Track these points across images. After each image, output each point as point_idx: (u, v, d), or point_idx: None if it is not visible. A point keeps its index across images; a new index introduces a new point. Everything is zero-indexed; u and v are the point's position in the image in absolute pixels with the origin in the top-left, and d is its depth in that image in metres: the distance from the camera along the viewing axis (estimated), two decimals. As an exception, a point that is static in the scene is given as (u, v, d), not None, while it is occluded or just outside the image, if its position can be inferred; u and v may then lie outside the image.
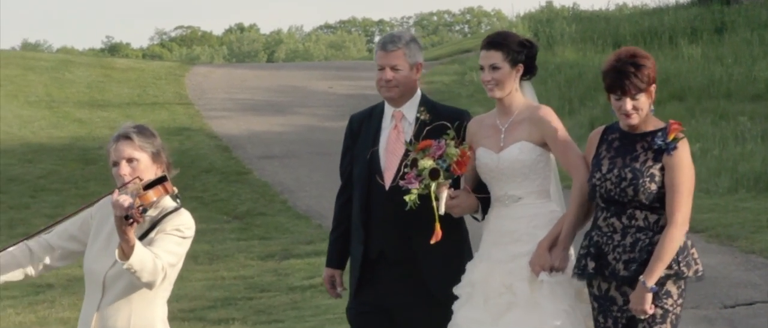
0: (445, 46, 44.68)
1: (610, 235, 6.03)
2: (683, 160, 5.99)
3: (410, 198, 6.25)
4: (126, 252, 5.16)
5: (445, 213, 6.29)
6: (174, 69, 29.90)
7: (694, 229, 6.10)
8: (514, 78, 6.32)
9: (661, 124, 6.08)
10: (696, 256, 6.06)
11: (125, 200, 5.11)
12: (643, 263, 5.93)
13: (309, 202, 17.14)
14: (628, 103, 5.99)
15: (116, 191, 5.28)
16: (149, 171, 5.48)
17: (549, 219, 6.28)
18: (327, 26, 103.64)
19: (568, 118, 20.93)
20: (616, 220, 6.02)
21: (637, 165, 6.00)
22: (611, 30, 27.34)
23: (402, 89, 6.63)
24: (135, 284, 5.35)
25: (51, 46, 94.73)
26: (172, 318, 12.08)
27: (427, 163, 6.24)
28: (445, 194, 6.27)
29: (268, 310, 12.09)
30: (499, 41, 6.33)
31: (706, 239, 13.30)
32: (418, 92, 6.73)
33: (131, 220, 5.10)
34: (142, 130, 5.56)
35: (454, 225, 6.51)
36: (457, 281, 6.43)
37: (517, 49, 6.31)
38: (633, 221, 6.00)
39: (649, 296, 5.90)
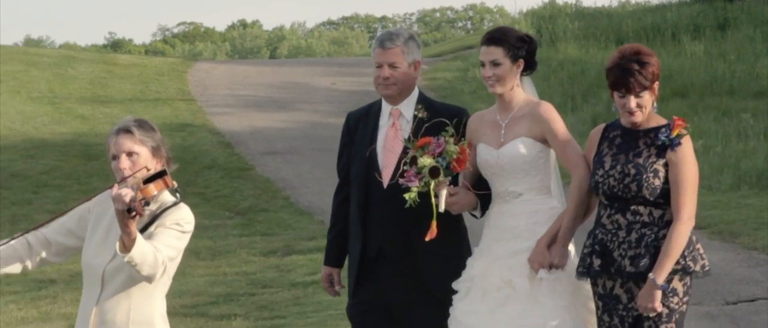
0: (447, 43, 44.66)
1: (614, 232, 6.01)
2: (687, 156, 5.98)
3: (410, 196, 6.24)
4: (127, 245, 5.16)
5: (444, 210, 6.28)
6: (176, 65, 29.91)
7: (696, 225, 6.07)
8: (515, 73, 6.32)
9: (663, 121, 6.07)
10: (702, 251, 6.05)
11: (127, 193, 5.10)
12: (649, 258, 5.91)
13: (311, 198, 17.14)
14: (632, 101, 5.98)
15: (116, 185, 5.27)
16: (149, 165, 5.47)
17: (549, 215, 6.28)
18: (329, 22, 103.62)
19: (570, 114, 20.92)
20: (620, 216, 6.01)
21: (640, 161, 5.99)
22: (614, 27, 27.34)
23: (400, 87, 6.61)
24: (134, 277, 5.34)
25: (53, 42, 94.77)
26: (174, 314, 12.10)
27: (426, 161, 6.23)
28: (444, 192, 6.26)
29: (270, 306, 12.09)
30: (499, 37, 6.33)
31: (708, 236, 13.30)
32: (416, 90, 6.71)
33: (134, 213, 5.10)
34: (142, 124, 5.55)
35: (453, 223, 6.50)
36: (456, 279, 6.42)
37: (518, 44, 6.31)
38: (637, 217, 5.99)
39: (659, 294, 5.89)
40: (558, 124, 6.26)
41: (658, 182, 5.96)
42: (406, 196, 6.23)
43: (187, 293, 12.65)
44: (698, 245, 6.05)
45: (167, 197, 5.50)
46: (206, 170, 19.35)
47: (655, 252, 5.92)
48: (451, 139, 6.26)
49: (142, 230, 5.31)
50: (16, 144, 20.95)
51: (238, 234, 15.84)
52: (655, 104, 6.06)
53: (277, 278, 13.26)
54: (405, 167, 6.30)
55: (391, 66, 6.59)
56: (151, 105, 24.36)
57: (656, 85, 6.02)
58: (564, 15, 29.43)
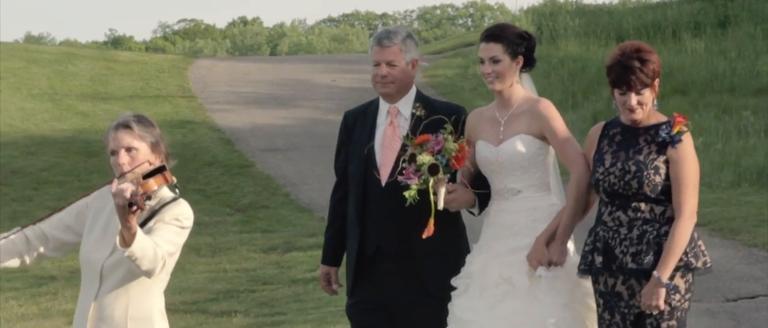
0: (448, 40, 44.67)
1: (616, 229, 6.01)
2: (688, 152, 5.98)
3: (409, 194, 6.22)
4: (127, 240, 5.15)
5: (442, 208, 6.28)
6: (177, 62, 29.91)
7: (697, 223, 6.08)
8: (515, 70, 6.32)
9: (663, 118, 6.07)
10: (703, 248, 6.05)
11: (127, 188, 5.09)
12: (653, 255, 5.90)
13: (311, 195, 17.15)
14: (633, 98, 5.98)
15: (115, 180, 5.26)
16: (148, 161, 5.46)
17: (549, 212, 6.28)
18: (330, 20, 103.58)
19: (571, 112, 20.93)
20: (621, 213, 6.00)
21: (641, 158, 5.99)
22: (614, 24, 27.33)
23: (398, 85, 6.59)
24: (134, 272, 5.33)
25: (54, 39, 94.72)
26: (174, 310, 12.09)
27: (425, 158, 6.21)
28: (443, 189, 6.25)
29: (271, 303, 12.09)
30: (498, 34, 6.33)
31: (708, 233, 13.30)
32: (414, 88, 6.68)
33: (135, 207, 5.09)
34: (141, 120, 5.54)
35: (451, 221, 6.49)
36: (453, 276, 6.41)
37: (517, 41, 6.31)
38: (638, 214, 5.98)
39: (663, 292, 5.88)
40: (557, 121, 6.25)
41: (658, 179, 5.96)
42: (406, 193, 6.22)
43: (187, 289, 12.66)
44: (700, 242, 6.04)
45: (166, 193, 5.50)
46: (207, 166, 19.35)
47: (657, 249, 5.91)
48: (450, 137, 6.26)
49: (141, 225, 5.31)
50: (16, 141, 20.96)
51: (239, 231, 15.85)
52: (655, 102, 6.06)
53: (278, 274, 13.26)
54: (404, 165, 6.28)
55: (389, 64, 6.57)
56: (152, 102, 24.36)
57: (657, 82, 6.02)
58: (564, 12, 29.43)
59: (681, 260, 5.93)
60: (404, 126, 6.57)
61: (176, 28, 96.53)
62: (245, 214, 16.82)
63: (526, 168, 6.28)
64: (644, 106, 6.00)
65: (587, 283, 6.21)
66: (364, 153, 6.61)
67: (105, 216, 5.51)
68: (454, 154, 6.22)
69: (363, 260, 6.63)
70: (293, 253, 14.18)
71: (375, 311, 6.61)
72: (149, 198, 5.24)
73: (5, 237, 5.57)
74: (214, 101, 24.72)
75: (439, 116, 6.40)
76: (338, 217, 6.81)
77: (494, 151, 6.29)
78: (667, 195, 5.97)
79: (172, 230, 5.38)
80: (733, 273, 11.71)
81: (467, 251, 6.56)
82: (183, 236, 5.44)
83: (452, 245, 6.56)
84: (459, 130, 6.35)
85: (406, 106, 6.62)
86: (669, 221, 5.96)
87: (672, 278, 5.91)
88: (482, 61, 6.32)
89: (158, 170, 5.28)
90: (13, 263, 5.63)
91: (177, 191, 5.45)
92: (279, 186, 18.11)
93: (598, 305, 6.11)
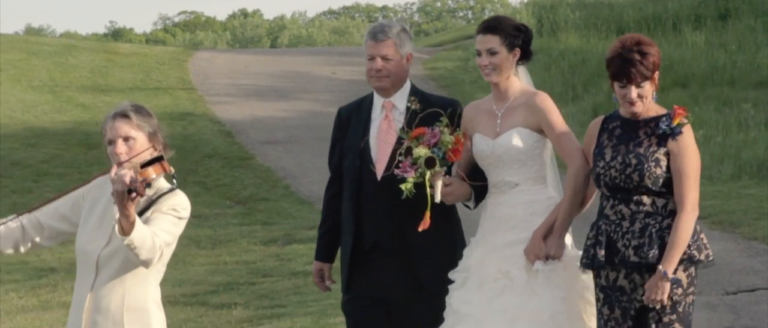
0: (448, 32, 44.65)
1: (618, 222, 5.99)
2: (689, 144, 5.97)
3: (406, 187, 6.20)
4: (125, 229, 5.14)
5: (439, 201, 6.27)
6: (177, 54, 29.90)
7: (697, 215, 6.07)
8: (512, 62, 6.31)
9: (662, 111, 6.06)
10: (705, 241, 6.03)
11: (126, 174, 5.08)
12: (657, 249, 5.88)
13: (311, 187, 17.14)
14: (633, 91, 5.97)
15: (114, 166, 5.25)
16: (145, 152, 5.45)
17: (546, 205, 6.27)
18: (330, 12, 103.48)
19: (571, 104, 20.93)
20: (623, 207, 5.98)
21: (641, 150, 5.98)
22: (615, 16, 27.30)
23: (393, 79, 6.57)
24: (131, 262, 5.32)
25: (54, 31, 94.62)
26: (174, 302, 12.09)
27: (422, 151, 6.20)
28: (439, 182, 6.24)
29: (271, 295, 12.10)
30: (495, 25, 6.32)
31: (708, 226, 13.30)
32: (409, 82, 6.66)
33: (134, 194, 5.08)
34: (139, 109, 5.53)
35: (447, 215, 6.47)
36: (449, 271, 6.39)
37: (514, 33, 6.30)
38: (640, 207, 5.97)
39: (667, 286, 5.86)
40: (554, 114, 6.24)
41: (659, 171, 5.95)
42: (403, 187, 6.20)
43: (187, 281, 12.66)
44: (702, 235, 6.02)
45: (163, 183, 5.49)
46: (207, 158, 19.36)
47: (660, 243, 5.90)
48: (446, 130, 6.24)
49: (139, 215, 5.30)
50: (16, 133, 20.96)
51: (239, 223, 15.86)
52: (655, 94, 6.05)
53: (278, 267, 13.27)
54: (400, 158, 6.27)
55: (384, 58, 6.55)
56: (152, 94, 24.36)
57: (657, 75, 6.01)
58: (565, 5, 29.38)
59: (684, 253, 5.91)
60: (399, 120, 6.54)
61: (176, 20, 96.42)
62: (245, 206, 16.82)
63: (523, 161, 6.27)
64: (644, 99, 5.99)
65: (585, 276, 6.21)
66: (359, 148, 6.59)
67: (101, 206, 5.50)
68: (450, 146, 6.21)
69: (358, 256, 6.60)
70: (293, 245, 14.18)
71: (372, 307, 6.59)
72: (149, 185, 5.23)
73: (2, 223, 5.57)
74: (215, 93, 24.72)
75: (434, 109, 6.38)
76: (332, 213, 6.79)
77: (491, 144, 6.28)
78: (668, 188, 5.96)
79: (169, 220, 5.37)
80: (733, 266, 11.71)
81: (463, 244, 6.55)
82: (180, 227, 5.43)
83: (448, 239, 6.53)
84: (455, 123, 6.34)
85: (401, 100, 6.60)
86: (671, 213, 5.95)
87: (675, 271, 5.89)
88: (479, 53, 6.32)
89: (156, 160, 5.28)
90: (8, 250, 5.63)
91: (175, 181, 5.44)
92: (279, 178, 18.11)
93: (598, 300, 6.10)
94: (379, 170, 6.53)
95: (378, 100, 6.65)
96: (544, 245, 6.16)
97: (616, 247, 5.98)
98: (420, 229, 6.25)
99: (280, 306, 11.59)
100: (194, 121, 22.00)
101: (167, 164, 5.30)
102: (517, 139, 6.25)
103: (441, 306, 6.37)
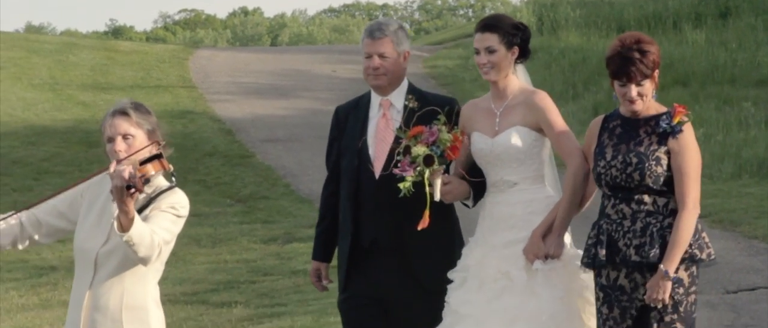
0: (448, 31, 44.65)
1: (619, 221, 5.98)
2: (689, 143, 5.96)
3: (405, 185, 6.19)
4: (124, 225, 5.14)
5: (438, 199, 6.26)
6: (178, 52, 29.90)
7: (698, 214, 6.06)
8: (510, 61, 6.30)
9: (662, 109, 6.05)
10: (707, 239, 6.02)
11: (125, 170, 5.08)
12: (658, 248, 5.87)
13: (312, 186, 17.14)
14: (633, 90, 5.96)
15: (113, 162, 5.25)
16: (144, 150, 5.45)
17: (545, 205, 6.26)
18: (331, 10, 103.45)
19: (572, 103, 20.92)
20: (625, 206, 5.97)
21: (642, 149, 5.97)
22: (615, 15, 27.28)
23: (390, 77, 6.57)
24: (130, 259, 5.31)
25: (55, 29, 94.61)
26: (174, 301, 12.09)
27: (420, 149, 6.19)
28: (438, 181, 6.24)
29: (271, 293, 12.10)
30: (494, 24, 6.32)
31: (709, 225, 13.30)
32: (406, 80, 6.66)
33: (133, 189, 5.08)
34: (138, 107, 5.54)
35: (445, 213, 6.46)
36: (447, 269, 6.38)
37: (512, 31, 6.30)
38: (642, 206, 5.96)
39: (669, 285, 5.85)
40: (554, 113, 6.23)
41: (660, 170, 5.94)
42: (401, 185, 6.18)
43: (187, 280, 12.67)
44: (703, 234, 6.01)
45: (162, 181, 5.49)
46: (207, 157, 19.36)
47: (662, 242, 5.89)
48: (444, 128, 6.24)
49: (138, 213, 5.30)
50: (17, 131, 20.96)
51: (239, 222, 15.86)
52: (655, 92, 6.04)
53: (278, 265, 13.27)
54: (398, 157, 6.26)
55: (381, 56, 6.55)
56: (152, 92, 24.36)
57: (657, 73, 6.00)
58: (565, 3, 29.36)
59: (685, 252, 5.89)
60: (397, 118, 6.54)
61: (177, 18, 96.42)
62: (245, 205, 16.82)
63: (522, 160, 6.26)
64: (644, 98, 5.99)
65: (585, 276, 6.20)
66: (357, 147, 6.58)
67: (100, 204, 5.50)
68: (448, 144, 6.20)
69: (356, 254, 6.59)
70: (293, 244, 14.18)
71: (369, 307, 6.57)
72: (148, 181, 5.23)
73: (1, 219, 5.57)
74: (215, 92, 24.72)
75: (431, 108, 6.37)
76: (329, 212, 6.79)
77: (490, 143, 6.28)
78: (669, 186, 5.95)
79: (168, 218, 5.37)
80: (734, 265, 11.71)
81: (461, 243, 6.54)
82: (179, 225, 5.43)
83: (446, 238, 6.52)
84: (453, 121, 6.34)
85: (398, 98, 6.60)
86: (672, 212, 5.94)
87: (676, 271, 5.88)
88: (477, 52, 6.31)
89: (155, 157, 5.28)
90: (6, 246, 5.63)
91: (173, 179, 5.44)
92: (279, 177, 18.11)
93: (597, 299, 6.09)
94: (377, 169, 6.52)
95: (375, 99, 6.65)
96: (543, 245, 6.16)
97: (618, 246, 5.98)
98: (419, 227, 6.24)
99: (281, 305, 11.59)
100: (194, 120, 22.00)
101: (166, 162, 5.30)
102: (516, 137, 6.24)
103: (439, 305, 6.36)
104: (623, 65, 5.94)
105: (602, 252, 5.99)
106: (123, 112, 5.49)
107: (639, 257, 5.92)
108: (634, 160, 5.96)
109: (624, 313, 5.99)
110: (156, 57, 28.57)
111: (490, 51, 6.27)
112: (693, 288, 5.98)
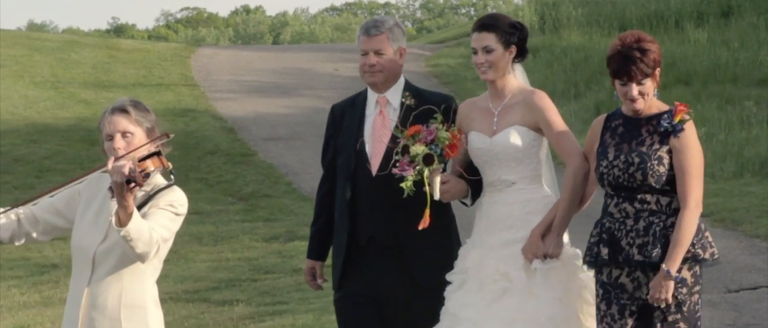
0: (450, 29, 44.64)
1: (622, 220, 5.97)
2: (691, 141, 5.95)
3: (406, 185, 6.18)
4: (123, 220, 5.14)
5: (438, 198, 6.25)
6: (179, 50, 29.90)
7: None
8: (508, 60, 6.29)
9: (665, 107, 6.04)
10: (710, 239, 6.01)
11: (125, 165, 5.09)
12: (661, 248, 5.87)
13: (313, 184, 17.02)
14: (634, 89, 5.96)
15: (111, 159, 5.25)
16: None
17: (543, 204, 6.25)
18: (332, 8, 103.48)
19: (573, 101, 20.90)
20: (628, 205, 5.96)
21: (644, 149, 5.97)
22: (617, 13, 27.26)
23: (386, 74, 6.55)
24: (127, 255, 5.31)
25: (57, 27, 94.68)
26: (176, 299, 12.08)
27: (419, 148, 6.18)
28: (437, 179, 6.23)
29: (273, 292, 12.10)
30: (491, 23, 6.31)
31: (710, 224, 13.28)
32: (402, 78, 6.64)
33: (133, 184, 5.08)
34: (137, 104, 5.54)
35: (441, 211, 6.43)
36: (444, 267, 6.37)
37: (510, 30, 6.29)
38: (645, 205, 5.95)
39: (671, 285, 5.84)
40: (553, 113, 6.23)
41: (663, 169, 5.94)
42: (403, 185, 6.17)
43: (189, 278, 12.66)
44: (707, 233, 6.00)
45: (160, 180, 5.49)
46: (209, 155, 19.36)
47: (664, 242, 5.88)
48: (442, 126, 6.23)
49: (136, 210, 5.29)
50: (18, 129, 20.97)
51: (241, 220, 15.86)
52: (656, 91, 6.04)
53: (280, 263, 13.27)
54: (397, 157, 6.25)
55: (377, 53, 6.53)
56: (154, 90, 24.36)
57: (658, 71, 5.99)
58: (567, 1, 29.34)
59: (688, 251, 5.89)
60: (393, 116, 6.52)
61: (179, 16, 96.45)
62: (247, 203, 16.83)
63: (520, 160, 6.26)
64: (646, 96, 5.98)
65: (583, 275, 6.20)
66: (353, 144, 6.57)
67: (98, 202, 5.50)
68: (447, 142, 6.19)
69: (352, 252, 6.57)
70: (295, 242, 14.18)
71: (366, 305, 6.55)
72: (148, 176, 5.23)
73: (1, 213, 5.58)
74: (217, 90, 24.72)
75: (428, 106, 6.36)
76: (324, 211, 6.76)
77: (488, 143, 6.27)
78: (672, 186, 5.94)
79: (166, 215, 5.37)
80: (735, 264, 11.71)
81: (458, 241, 6.53)
82: (177, 223, 5.43)
83: (442, 236, 6.50)
84: (450, 120, 6.33)
85: (394, 95, 6.58)
86: (675, 212, 5.92)
87: (679, 270, 5.87)
88: (475, 52, 6.31)
89: (154, 154, 5.28)
90: (4, 239, 5.63)
91: (172, 177, 5.44)
92: (281, 175, 18.11)
93: (597, 295, 6.08)
94: (374, 166, 6.51)
95: (372, 96, 6.64)
96: (542, 244, 6.15)
97: (620, 245, 5.97)
98: (420, 227, 6.22)
99: (282, 303, 11.59)
100: (196, 118, 22.00)
101: (165, 159, 5.30)
102: (514, 137, 6.23)
103: (436, 303, 6.34)
104: (624, 64, 5.93)
105: (604, 251, 5.99)
106: (122, 110, 5.50)
107: (642, 257, 5.92)
108: (637, 159, 5.95)
109: (622, 310, 5.99)
110: (158, 55, 28.56)
111: (488, 50, 6.27)
112: (696, 288, 5.97)
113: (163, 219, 5.35)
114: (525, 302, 6.11)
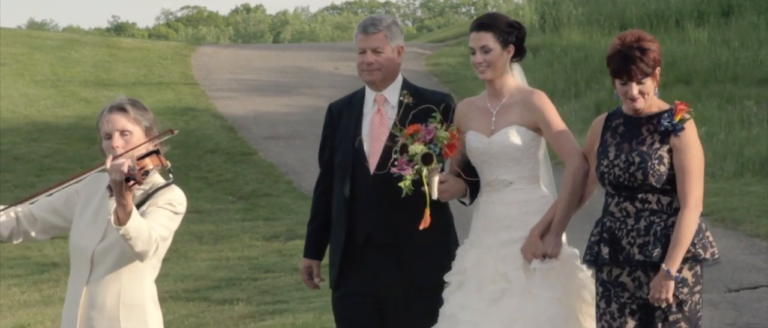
0: (451, 28, 44.62)
1: (623, 220, 5.97)
2: (691, 140, 5.94)
3: (405, 184, 6.17)
4: (122, 219, 5.13)
5: (436, 198, 6.24)
6: (180, 49, 29.90)
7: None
8: (506, 59, 6.29)
9: (665, 106, 6.03)
10: (711, 239, 6.00)
11: (124, 163, 5.08)
12: (661, 248, 5.86)
13: (313, 183, 17.08)
14: (635, 88, 5.95)
15: (110, 157, 5.25)
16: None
17: (541, 204, 6.24)
18: (333, 7, 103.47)
19: (574, 101, 20.90)
20: (628, 204, 5.96)
21: (644, 148, 5.96)
22: (618, 12, 27.26)
23: (384, 72, 6.54)
24: (126, 254, 5.30)
25: (57, 26, 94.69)
26: (176, 298, 12.09)
27: (418, 148, 6.17)
28: (436, 179, 6.22)
29: (273, 290, 12.10)
30: (489, 22, 6.31)
31: (711, 223, 13.29)
32: (400, 76, 6.63)
33: (132, 182, 5.07)
34: (135, 103, 5.54)
35: (440, 210, 6.41)
36: (442, 266, 6.36)
37: (507, 30, 6.28)
38: (646, 205, 5.94)
39: (671, 284, 5.83)
40: (552, 113, 6.22)
41: (663, 169, 5.93)
42: (402, 185, 6.15)
43: (189, 277, 12.66)
44: (707, 233, 6.00)
45: (159, 178, 5.49)
46: (209, 154, 19.36)
47: (665, 242, 5.87)
48: (441, 126, 6.23)
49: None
50: (19, 127, 20.97)
51: (241, 219, 15.86)
52: (656, 90, 6.03)
53: (280, 262, 13.27)
54: (396, 156, 6.23)
55: (375, 51, 6.52)
56: (155, 89, 24.36)
57: (658, 70, 5.99)
58: (568, 0, 29.35)
59: (688, 251, 5.88)
60: (391, 114, 6.50)
61: (179, 15, 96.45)
62: (247, 202, 16.83)
63: (518, 159, 6.25)
64: (646, 96, 5.97)
65: (582, 275, 6.20)
66: (351, 143, 6.55)
67: (96, 202, 5.49)
68: (445, 142, 6.18)
69: (350, 251, 6.55)
70: (295, 241, 14.17)
71: (364, 305, 6.53)
72: (147, 173, 5.23)
73: (1, 210, 5.58)
74: (217, 89, 24.72)
75: (426, 106, 6.34)
76: (321, 210, 6.76)
77: (486, 142, 6.25)
78: (673, 185, 5.93)
79: (165, 214, 5.36)
80: (735, 264, 11.71)
81: (455, 240, 6.52)
82: (176, 222, 5.42)
83: (440, 235, 6.48)
84: (449, 118, 6.32)
85: (392, 93, 6.57)
86: (676, 211, 5.91)
87: (680, 270, 5.87)
88: (473, 51, 6.31)
89: (152, 153, 5.28)
90: (3, 236, 5.63)
91: (171, 176, 5.43)
92: (281, 174, 18.11)
93: (597, 293, 6.07)
94: (372, 164, 6.50)
95: (370, 95, 6.62)
96: (541, 244, 6.14)
97: (621, 244, 5.96)
98: (421, 227, 6.21)
99: (282, 302, 11.58)
100: (197, 117, 22.00)
101: (163, 158, 5.29)
102: (514, 137, 6.22)
103: (434, 302, 6.33)
104: (624, 64, 5.93)
105: (605, 250, 5.98)
106: (120, 109, 5.50)
107: (643, 256, 5.91)
108: (637, 159, 5.94)
109: (622, 309, 5.99)
110: (158, 54, 28.56)
111: (486, 50, 6.26)
112: (697, 287, 5.97)
113: (161, 218, 5.34)
114: (524, 302, 6.10)
